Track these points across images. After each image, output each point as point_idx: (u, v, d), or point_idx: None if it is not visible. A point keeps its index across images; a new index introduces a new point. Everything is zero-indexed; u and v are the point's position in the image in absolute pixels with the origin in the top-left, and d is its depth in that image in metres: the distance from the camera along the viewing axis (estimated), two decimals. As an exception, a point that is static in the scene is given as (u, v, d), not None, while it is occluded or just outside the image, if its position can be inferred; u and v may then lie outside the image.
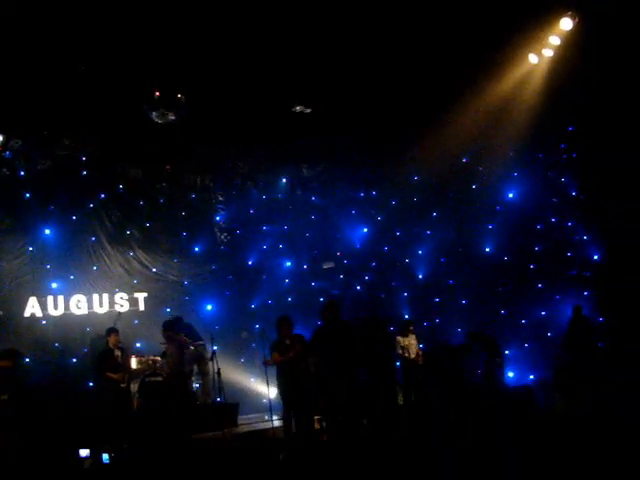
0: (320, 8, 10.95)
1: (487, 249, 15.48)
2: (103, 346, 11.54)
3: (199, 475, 8.21)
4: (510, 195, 15.68)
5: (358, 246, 15.86)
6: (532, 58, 13.51)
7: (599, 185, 14.31)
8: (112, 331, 11.31)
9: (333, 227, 15.85)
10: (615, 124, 13.60)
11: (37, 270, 13.21)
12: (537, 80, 13.93)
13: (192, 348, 12.31)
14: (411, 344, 12.61)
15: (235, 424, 11.62)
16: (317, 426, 10.77)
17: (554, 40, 13.03)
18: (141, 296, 13.99)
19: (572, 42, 12.84)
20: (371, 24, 11.35)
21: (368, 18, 11.20)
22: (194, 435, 10.47)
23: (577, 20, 12.43)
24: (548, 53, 13.31)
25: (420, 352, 12.76)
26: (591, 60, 12.72)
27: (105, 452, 9.12)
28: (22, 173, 13.24)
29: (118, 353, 11.12)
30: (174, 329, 11.95)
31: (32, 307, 12.94)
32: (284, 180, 15.85)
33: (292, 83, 12.87)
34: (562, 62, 13.27)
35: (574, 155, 15.43)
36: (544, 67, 13.66)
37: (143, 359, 12.24)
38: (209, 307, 14.46)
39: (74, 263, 13.62)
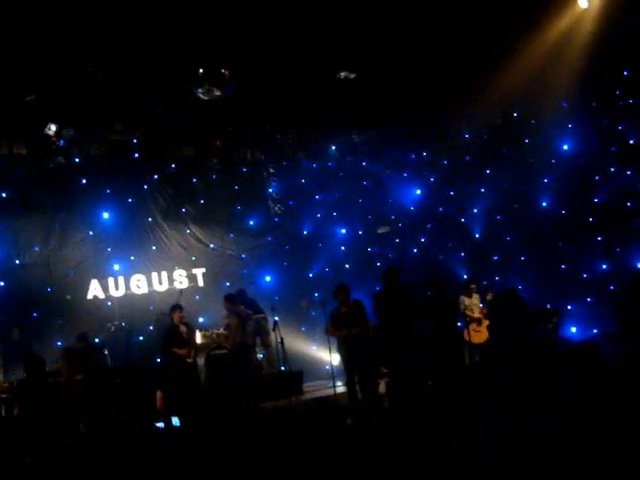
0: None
1: (544, 204, 15.15)
2: (168, 323, 11.80)
3: (268, 442, 8.37)
4: (565, 147, 15.25)
5: (412, 208, 15.75)
6: (581, 2, 13.05)
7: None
8: (176, 308, 11.49)
9: (386, 191, 15.76)
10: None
11: (99, 253, 13.53)
12: (587, 25, 13.45)
13: (253, 320, 12.49)
14: (473, 304, 12.48)
15: (300, 392, 11.80)
16: (383, 390, 10.87)
17: (604, -20, 12.56)
18: (199, 272, 14.22)
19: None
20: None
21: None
22: (262, 403, 10.65)
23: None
24: (598, -4, 12.85)
25: (484, 310, 12.61)
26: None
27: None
28: (77, 160, 13.55)
29: (183, 329, 11.28)
30: (234, 301, 12.16)
31: (94, 289, 13.24)
32: (333, 148, 15.80)
33: (336, 49, 12.76)
34: (613, 3, 12.79)
35: (631, 101, 14.89)
36: (594, 10, 13.17)
37: (207, 333, 12.49)
38: (267, 278, 14.61)
39: (133, 244, 13.91)
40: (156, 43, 11.58)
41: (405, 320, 10.10)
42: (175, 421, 9.45)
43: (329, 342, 10.80)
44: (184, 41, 11.72)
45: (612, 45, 13.40)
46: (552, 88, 14.47)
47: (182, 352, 10.97)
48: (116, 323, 12.91)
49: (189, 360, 11.04)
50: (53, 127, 12.75)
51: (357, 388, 10.16)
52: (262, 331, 12.68)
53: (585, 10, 13.17)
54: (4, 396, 10.33)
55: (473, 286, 12.77)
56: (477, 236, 15.47)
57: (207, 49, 12.19)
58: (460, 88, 14.08)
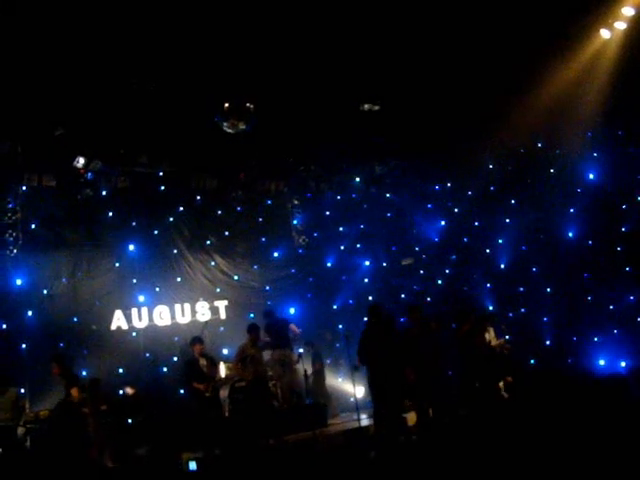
0: (385, 7, 10.94)
1: (570, 234, 15.01)
2: (190, 355, 11.80)
3: (292, 476, 8.30)
4: (591, 176, 15.16)
5: (436, 240, 15.72)
6: (604, 33, 13.07)
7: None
8: (196, 341, 11.45)
9: (410, 223, 15.78)
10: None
11: (124, 284, 13.63)
12: (611, 55, 13.44)
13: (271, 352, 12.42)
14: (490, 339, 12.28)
15: (325, 424, 11.68)
16: (412, 422, 10.77)
17: (627, 11, 12.57)
18: (222, 304, 14.28)
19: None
20: (439, 10, 11.22)
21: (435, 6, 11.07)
22: (285, 437, 10.56)
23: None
24: (621, 26, 12.85)
25: (504, 344, 12.42)
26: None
27: (192, 460, 9.33)
28: (104, 193, 13.72)
29: (203, 362, 11.21)
30: (255, 332, 12.11)
31: (118, 320, 13.33)
32: (357, 179, 15.88)
33: (359, 82, 12.87)
34: (636, 33, 12.78)
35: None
36: (618, 41, 13.17)
37: (231, 365, 12.45)
38: (292, 310, 14.59)
39: (158, 275, 14.00)
40: (183, 75, 11.80)
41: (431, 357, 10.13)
42: (192, 465, 9.35)
43: (352, 375, 10.75)
44: (210, 74, 11.92)
45: (636, 74, 13.36)
46: (576, 117, 14.44)
47: (201, 387, 10.91)
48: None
49: (207, 395, 10.94)
50: (82, 160, 12.99)
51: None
52: (285, 362, 12.56)
53: (608, 40, 13.18)
54: (29, 426, 10.39)
55: (489, 322, 12.61)
56: (502, 267, 15.33)
57: (232, 81, 12.38)
58: (484, 118, 14.11)
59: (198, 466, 9.22)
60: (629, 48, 13.00)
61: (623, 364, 13.23)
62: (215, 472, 9.09)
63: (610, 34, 13.06)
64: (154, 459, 9.90)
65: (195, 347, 11.32)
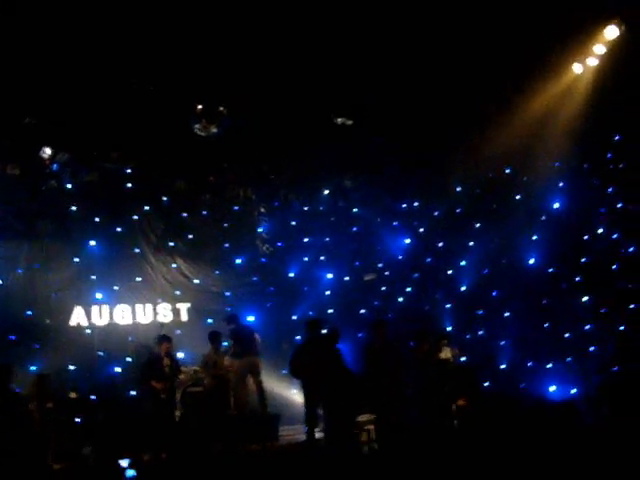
0: (363, 27, 11.04)
1: (531, 260, 15.21)
2: (147, 355, 11.65)
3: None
4: (555, 205, 15.41)
5: (400, 257, 15.75)
6: (576, 67, 13.36)
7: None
8: (165, 339, 11.31)
9: (375, 238, 15.80)
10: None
11: (83, 280, 13.44)
12: (582, 89, 13.75)
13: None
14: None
15: (276, 436, 11.59)
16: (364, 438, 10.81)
17: (599, 49, 12.86)
18: (184, 307, 14.14)
19: (618, 50, 12.66)
20: (415, 33, 11.35)
21: (412, 27, 11.20)
22: (232, 446, 10.45)
23: (623, 28, 12.25)
24: (593, 62, 13.15)
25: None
26: (637, 68, 12.51)
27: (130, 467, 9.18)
28: (69, 186, 13.54)
29: (167, 362, 11.10)
30: (216, 340, 12.00)
31: (77, 316, 13.15)
32: (326, 192, 15.88)
33: (335, 95, 12.94)
34: (607, 71, 13.08)
35: (621, 165, 15.11)
36: (589, 76, 13.48)
37: (185, 369, 12.30)
38: (251, 318, 14.48)
39: (118, 274, 13.82)
40: (159, 76, 11.74)
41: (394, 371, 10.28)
42: (130, 473, 9.19)
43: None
44: (185, 77, 11.88)
45: (604, 110, 13.67)
46: (545, 147, 14.71)
47: (158, 386, 10.77)
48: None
49: (162, 396, 10.81)
50: (48, 151, 12.83)
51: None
52: (254, 370, 12.41)
53: (579, 75, 13.47)
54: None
55: (445, 341, 12.71)
56: (463, 289, 15.44)
57: (208, 85, 12.35)
58: (455, 141, 14.29)
59: (137, 471, 9.07)
60: (598, 85, 13.31)
61: (573, 391, 13.43)
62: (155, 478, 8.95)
63: (582, 69, 13.35)
64: (96, 461, 9.69)
65: (163, 345, 11.17)
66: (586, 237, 15.09)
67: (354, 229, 15.79)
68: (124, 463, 9.32)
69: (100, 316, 13.32)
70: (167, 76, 11.82)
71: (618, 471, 6.47)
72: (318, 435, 10.66)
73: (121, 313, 13.54)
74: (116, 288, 13.71)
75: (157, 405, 10.76)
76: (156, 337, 11.80)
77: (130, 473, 8.92)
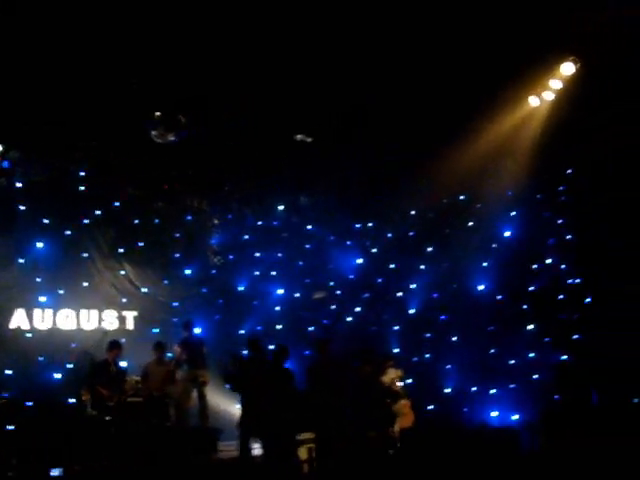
0: (324, 42, 11.10)
1: (480, 287, 15.38)
2: (89, 361, 11.44)
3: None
4: (507, 234, 15.62)
5: (351, 277, 15.78)
6: (533, 101, 13.63)
7: (594, 229, 14.30)
8: (115, 346, 11.17)
9: (327, 257, 15.80)
10: (614, 169, 13.63)
11: (27, 282, 13.13)
12: (537, 122, 14.02)
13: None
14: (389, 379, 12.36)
15: (215, 449, 11.43)
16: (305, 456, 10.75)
17: (555, 84, 13.16)
18: (130, 315, 13.91)
19: (573, 86, 12.97)
20: (374, 57, 11.47)
21: (370, 52, 11.31)
22: (170, 459, 10.26)
23: (579, 65, 12.56)
24: (549, 96, 13.44)
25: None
26: (592, 105, 12.82)
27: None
28: (19, 185, 13.24)
29: (114, 369, 10.93)
30: (161, 351, 11.83)
31: (18, 319, 12.84)
32: (281, 207, 15.85)
33: (294, 112, 12.97)
34: (563, 106, 13.38)
35: (572, 198, 15.44)
36: (544, 110, 13.76)
37: (128, 379, 12.06)
38: (197, 330, 14.30)
39: (64, 278, 13.54)
40: (117, 79, 11.59)
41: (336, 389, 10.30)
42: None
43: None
44: (145, 82, 11.77)
45: (558, 143, 13.96)
46: (500, 177, 14.94)
47: (104, 392, 10.53)
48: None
49: (110, 404, 10.57)
50: (-1, 147, 12.55)
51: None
52: (200, 382, 12.23)
53: (536, 108, 13.75)
54: None
55: (390, 362, 12.73)
56: (412, 311, 15.51)
57: (167, 93, 12.27)
58: (411, 165, 14.43)
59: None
60: (554, 119, 13.60)
61: (515, 417, 13.58)
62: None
63: (539, 102, 13.63)
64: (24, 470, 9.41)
65: (112, 351, 11.01)
66: (535, 266, 15.33)
67: (307, 246, 15.77)
68: (55, 472, 9.13)
69: (42, 320, 13.01)
70: (126, 79, 11.68)
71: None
72: (258, 451, 10.60)
73: (65, 318, 13.23)
74: (61, 292, 13.42)
75: (102, 412, 10.51)
76: (106, 342, 11.57)
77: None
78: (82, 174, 13.86)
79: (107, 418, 10.55)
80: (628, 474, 7.26)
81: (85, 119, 12.28)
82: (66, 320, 13.26)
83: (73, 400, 12.01)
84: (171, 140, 12.72)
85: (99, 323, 13.54)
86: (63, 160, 13.54)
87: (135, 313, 13.98)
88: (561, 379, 12.56)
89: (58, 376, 12.72)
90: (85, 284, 13.78)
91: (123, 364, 12.65)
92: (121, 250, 14.36)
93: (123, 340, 13.25)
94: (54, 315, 13.19)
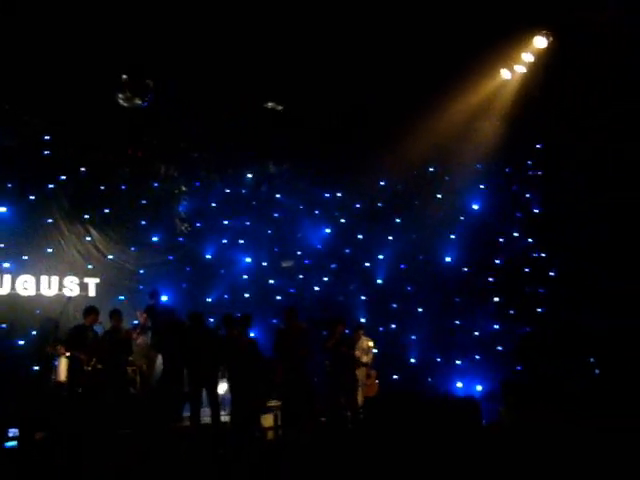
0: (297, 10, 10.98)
1: (448, 259, 15.51)
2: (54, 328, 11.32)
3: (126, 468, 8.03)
4: (475, 207, 15.75)
5: (319, 247, 15.76)
6: (504, 73, 13.64)
7: (560, 203, 14.47)
8: (92, 311, 10.99)
9: (295, 226, 15.75)
10: (582, 144, 13.75)
11: (-12, 248, 12.90)
12: (508, 95, 14.06)
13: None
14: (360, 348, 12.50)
15: (180, 417, 11.43)
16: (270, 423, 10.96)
17: (527, 57, 13.16)
18: (92, 281, 13.63)
19: (545, 60, 13.00)
20: (344, 23, 11.37)
21: (339, 19, 11.22)
22: (136, 426, 10.26)
23: (551, 39, 12.57)
24: (520, 69, 13.45)
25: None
26: (563, 79, 12.87)
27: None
28: (-19, 148, 12.95)
29: (91, 335, 10.81)
30: (117, 318, 11.71)
31: (-21, 286, 12.61)
32: (249, 175, 15.73)
33: (265, 80, 12.83)
34: (534, 79, 13.41)
35: (539, 173, 15.57)
36: (516, 83, 13.79)
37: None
38: (164, 298, 14.22)
39: (28, 243, 13.25)
40: (84, 42, 11.35)
41: (302, 358, 10.47)
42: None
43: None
44: (112, 45, 11.54)
45: (528, 118, 14.01)
46: (469, 149, 14.98)
47: (83, 357, 10.43)
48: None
49: (87, 368, 10.46)
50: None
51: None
52: None
53: (507, 81, 13.76)
54: None
55: (361, 331, 12.87)
56: (379, 282, 15.60)
57: (135, 56, 12.05)
58: (381, 137, 14.39)
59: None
60: (524, 93, 13.63)
61: (479, 388, 13.82)
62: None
63: (510, 75, 13.64)
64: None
65: (90, 317, 10.87)
66: (501, 240, 15.49)
67: (275, 215, 15.68)
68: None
69: (1, 285, 12.79)
70: (93, 42, 11.43)
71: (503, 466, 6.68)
72: (224, 419, 10.67)
73: (24, 284, 12.96)
74: (25, 258, 13.20)
75: (77, 376, 10.44)
76: (84, 308, 11.30)
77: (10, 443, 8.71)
78: (47, 138, 13.53)
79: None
80: (586, 443, 7.43)
81: (50, 83, 12.00)
82: (25, 286, 12.98)
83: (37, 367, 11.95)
84: (138, 104, 12.51)
85: (60, 289, 13.31)
86: (27, 125, 13.19)
87: (97, 280, 13.74)
88: (524, 350, 12.75)
89: (21, 342, 12.58)
90: (49, 250, 13.55)
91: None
92: (87, 216, 14.07)
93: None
94: (13, 281, 12.85)
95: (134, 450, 8.79)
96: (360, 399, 11.77)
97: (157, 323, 11.99)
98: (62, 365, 11.12)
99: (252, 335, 11.92)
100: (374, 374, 12.66)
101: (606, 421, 8.29)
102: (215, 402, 10.23)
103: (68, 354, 10.72)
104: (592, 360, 12.82)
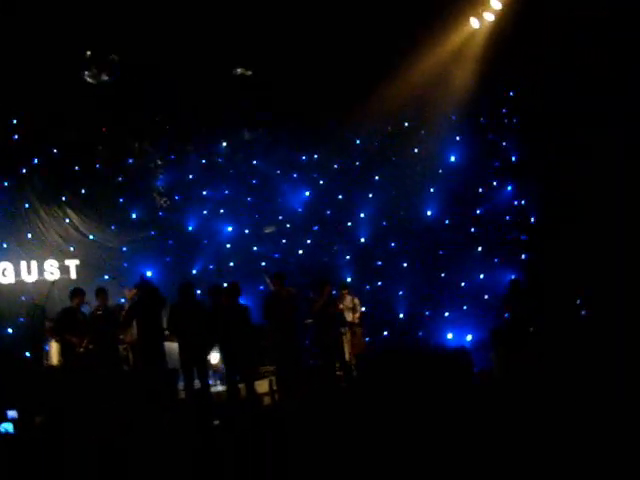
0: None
1: (429, 212, 15.54)
2: (39, 314, 11.28)
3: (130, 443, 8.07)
4: (452, 159, 15.71)
5: (300, 210, 15.75)
6: (473, 22, 13.51)
7: (537, 150, 14.48)
8: (78, 292, 10.88)
9: (275, 191, 15.70)
10: (555, 90, 13.70)
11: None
12: (478, 44, 13.94)
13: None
14: (345, 307, 12.59)
15: (175, 391, 11.50)
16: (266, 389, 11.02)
17: (495, 4, 13.04)
18: (72, 263, 13.53)
19: (513, 7, 12.88)
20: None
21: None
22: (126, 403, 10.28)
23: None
24: (489, 17, 13.32)
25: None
26: (532, 25, 12.77)
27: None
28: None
29: (80, 317, 10.73)
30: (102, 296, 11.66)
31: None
32: (224, 144, 15.59)
33: (233, 46, 12.65)
34: (503, 27, 13.30)
35: (515, 120, 15.54)
36: (485, 31, 13.66)
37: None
38: (149, 273, 14.19)
39: (6, 230, 13.18)
40: (46, 19, 11.10)
41: (292, 322, 10.51)
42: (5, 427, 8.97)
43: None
44: (75, 21, 11.30)
45: (500, 66, 13.93)
46: (442, 101, 14.88)
47: (74, 340, 10.41)
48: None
49: (80, 350, 10.44)
50: None
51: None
52: None
53: (477, 30, 13.64)
54: None
55: (345, 291, 12.94)
56: (362, 240, 15.63)
57: (98, 31, 11.81)
58: (353, 93, 14.25)
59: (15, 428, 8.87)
60: (495, 41, 13.52)
61: (469, 337, 14.00)
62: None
63: (479, 24, 13.52)
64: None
65: (76, 299, 10.74)
66: (480, 189, 15.53)
67: (254, 182, 15.63)
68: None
69: (-19, 274, 12.68)
70: (55, 19, 11.17)
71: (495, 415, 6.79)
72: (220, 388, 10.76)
73: (2, 271, 12.85)
74: (5, 245, 13.09)
75: (70, 359, 10.42)
76: (69, 291, 11.17)
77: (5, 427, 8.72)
78: (14, 122, 13.30)
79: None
80: (573, 390, 7.56)
81: (13, 63, 11.75)
82: (4, 273, 12.88)
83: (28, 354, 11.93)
84: (105, 80, 12.32)
85: (40, 274, 13.21)
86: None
87: (77, 261, 13.65)
88: (510, 298, 12.86)
89: (9, 331, 12.54)
90: (29, 235, 13.44)
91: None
92: (64, 198, 13.98)
93: (70, 289, 13.12)
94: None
95: (118, 422, 8.81)
96: (347, 356, 11.89)
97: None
98: (53, 349, 11.12)
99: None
100: (359, 332, 12.78)
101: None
102: (204, 376, 10.24)
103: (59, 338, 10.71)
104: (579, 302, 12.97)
